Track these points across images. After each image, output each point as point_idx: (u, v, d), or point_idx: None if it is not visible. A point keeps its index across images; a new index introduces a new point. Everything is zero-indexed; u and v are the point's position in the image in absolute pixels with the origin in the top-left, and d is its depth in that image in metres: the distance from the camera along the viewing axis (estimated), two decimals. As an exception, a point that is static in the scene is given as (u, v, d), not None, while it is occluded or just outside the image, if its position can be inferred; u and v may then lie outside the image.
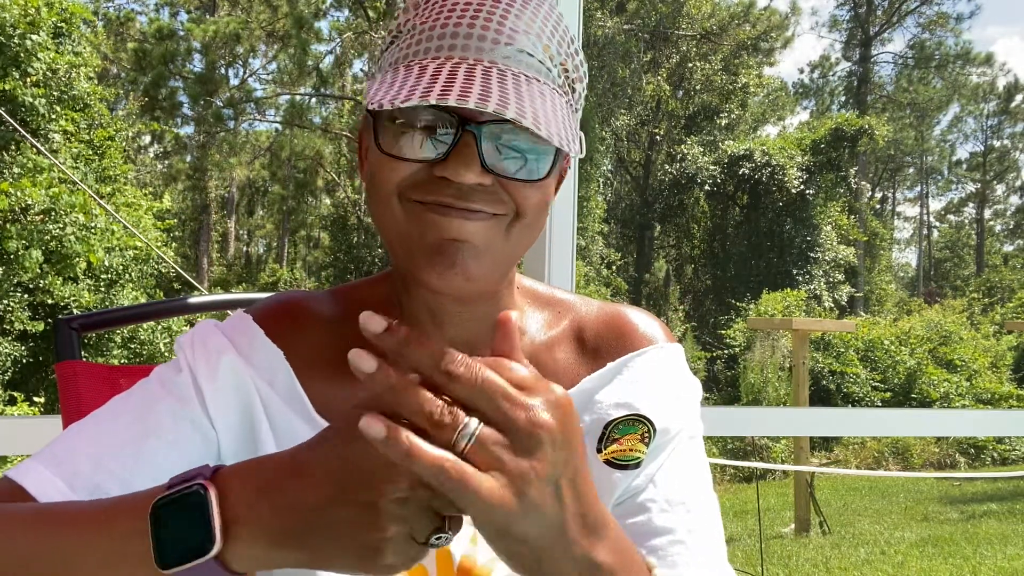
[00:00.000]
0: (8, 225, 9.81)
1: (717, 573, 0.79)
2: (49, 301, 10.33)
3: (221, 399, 0.77)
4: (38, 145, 9.59)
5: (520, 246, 0.75)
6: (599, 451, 0.79)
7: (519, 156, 0.70)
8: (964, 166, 42.25)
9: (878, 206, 36.13)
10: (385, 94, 0.66)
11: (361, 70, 29.30)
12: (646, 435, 0.80)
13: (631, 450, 0.80)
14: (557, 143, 0.65)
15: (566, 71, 0.74)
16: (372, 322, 0.52)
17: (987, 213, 41.01)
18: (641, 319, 0.87)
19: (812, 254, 21.73)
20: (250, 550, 0.56)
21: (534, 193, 0.72)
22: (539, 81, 0.70)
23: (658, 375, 0.83)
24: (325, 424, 0.77)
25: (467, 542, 0.76)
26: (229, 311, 1.08)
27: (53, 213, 10.09)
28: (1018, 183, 41.29)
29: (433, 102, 0.63)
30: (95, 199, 9.82)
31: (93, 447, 0.73)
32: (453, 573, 0.75)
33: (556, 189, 0.78)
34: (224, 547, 0.55)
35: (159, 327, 11.87)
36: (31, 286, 10.24)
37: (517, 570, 0.56)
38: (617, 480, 0.79)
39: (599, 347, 0.84)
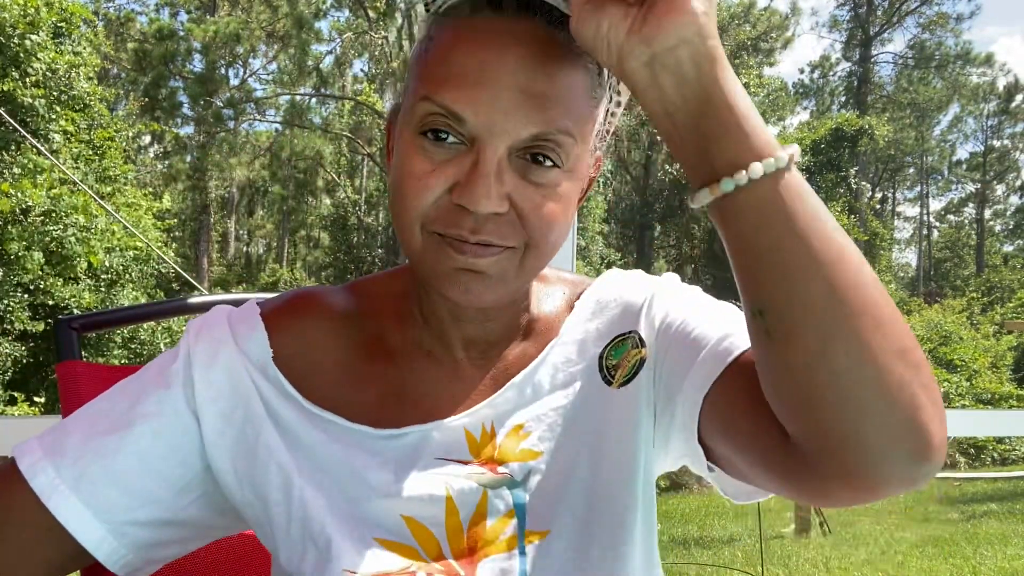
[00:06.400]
0: (9, 226, 9.82)
1: None
2: (50, 302, 10.34)
3: (213, 390, 0.77)
4: (38, 145, 9.59)
5: (533, 273, 0.75)
6: (610, 384, 0.80)
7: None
8: (964, 166, 42.22)
9: (878, 206, 36.11)
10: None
11: (361, 70, 29.31)
12: (635, 344, 0.81)
13: (632, 360, 0.80)
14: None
15: None
16: None
17: (987, 213, 41.01)
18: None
19: (812, 254, 21.72)
20: None
21: (552, 218, 0.71)
22: None
23: (624, 289, 0.85)
24: (323, 415, 0.78)
25: (473, 512, 0.76)
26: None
27: (53, 214, 10.10)
28: (1018, 183, 41.29)
29: None
30: (95, 199, 9.82)
31: (85, 430, 0.76)
32: (463, 542, 0.76)
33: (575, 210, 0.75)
34: None
35: (159, 327, 11.89)
36: (32, 287, 10.25)
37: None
38: (641, 399, 0.79)
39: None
